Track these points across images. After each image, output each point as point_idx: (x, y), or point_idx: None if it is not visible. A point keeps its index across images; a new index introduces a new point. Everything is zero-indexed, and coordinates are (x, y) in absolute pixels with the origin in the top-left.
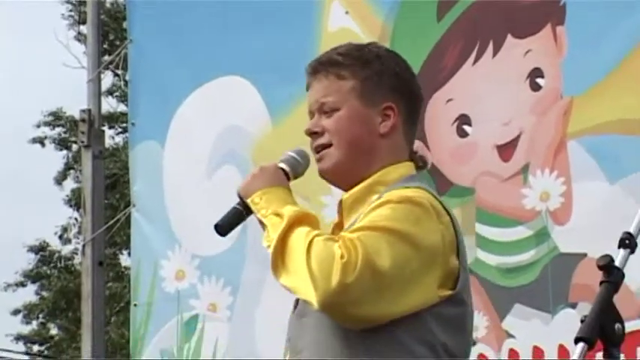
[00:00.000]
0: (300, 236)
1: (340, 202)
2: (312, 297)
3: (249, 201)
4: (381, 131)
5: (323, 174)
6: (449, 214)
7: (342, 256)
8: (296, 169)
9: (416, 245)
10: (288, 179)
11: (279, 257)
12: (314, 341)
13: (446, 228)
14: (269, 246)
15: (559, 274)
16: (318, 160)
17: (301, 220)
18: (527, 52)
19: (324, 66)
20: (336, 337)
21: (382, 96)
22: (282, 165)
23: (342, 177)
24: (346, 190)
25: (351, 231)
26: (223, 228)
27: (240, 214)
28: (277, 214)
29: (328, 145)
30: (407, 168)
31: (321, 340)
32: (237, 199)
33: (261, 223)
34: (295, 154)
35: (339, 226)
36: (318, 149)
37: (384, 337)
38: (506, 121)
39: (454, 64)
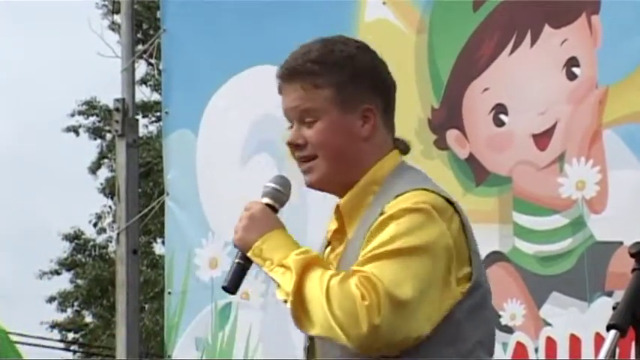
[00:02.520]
0: (314, 285)
1: (337, 208)
2: (345, 343)
3: (249, 255)
4: (363, 135)
5: (311, 186)
6: (448, 201)
7: (363, 298)
8: (281, 199)
9: (428, 254)
10: (276, 211)
11: (300, 312)
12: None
13: (450, 222)
14: (285, 301)
15: (595, 262)
16: (305, 173)
17: (308, 265)
18: (563, 41)
19: (299, 75)
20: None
21: (360, 99)
22: (267, 200)
23: (331, 186)
24: (339, 194)
25: (363, 262)
26: (232, 287)
27: (243, 267)
28: (283, 266)
29: (313, 157)
30: (393, 159)
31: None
32: (236, 252)
33: (270, 276)
34: (276, 184)
35: (340, 232)
36: (302, 160)
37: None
38: (542, 110)
39: (491, 53)
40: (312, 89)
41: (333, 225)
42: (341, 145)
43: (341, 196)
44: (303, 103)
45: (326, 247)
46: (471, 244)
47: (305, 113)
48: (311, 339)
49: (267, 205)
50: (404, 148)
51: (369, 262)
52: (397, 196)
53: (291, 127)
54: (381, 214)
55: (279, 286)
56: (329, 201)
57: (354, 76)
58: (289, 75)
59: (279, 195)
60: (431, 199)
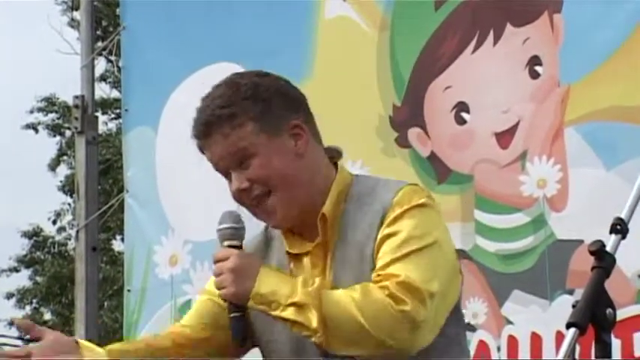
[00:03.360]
0: (340, 310)
1: (322, 217)
2: (391, 355)
3: (250, 305)
4: (300, 152)
5: (279, 226)
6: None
7: (399, 302)
8: (241, 236)
9: (444, 245)
10: (240, 247)
11: (336, 342)
12: None
13: (440, 214)
14: (311, 336)
15: (556, 260)
16: (268, 218)
17: (318, 293)
18: (525, 40)
19: (214, 125)
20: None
21: (282, 120)
22: (230, 243)
23: (297, 215)
24: (302, 221)
25: (388, 264)
26: (241, 338)
27: (242, 318)
28: (295, 305)
29: (264, 194)
30: (344, 170)
31: None
32: (230, 307)
33: (275, 318)
34: (231, 223)
35: (322, 245)
36: (255, 203)
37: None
38: (504, 109)
39: (452, 52)
40: (232, 132)
41: (301, 241)
42: (283, 169)
43: (305, 219)
44: (231, 148)
45: (290, 261)
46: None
47: (237, 156)
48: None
49: (232, 247)
50: (337, 154)
51: (395, 263)
52: (397, 191)
53: (228, 178)
54: (389, 210)
55: (294, 324)
56: None
57: (267, 101)
58: (207, 129)
59: (238, 232)
60: (428, 194)
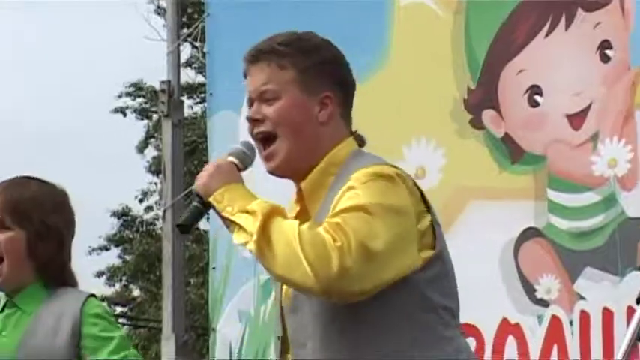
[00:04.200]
0: (282, 227)
1: (299, 190)
2: (311, 284)
3: (210, 199)
4: (320, 119)
5: (273, 171)
6: (410, 178)
7: (335, 240)
8: (245, 161)
9: (395, 214)
10: (239, 171)
11: (266, 250)
12: (319, 329)
13: (411, 190)
14: (246, 242)
15: (627, 238)
16: (266, 159)
17: (275, 211)
18: (596, 24)
19: (266, 55)
20: (340, 321)
21: (321, 86)
22: (232, 159)
23: (292, 170)
24: (298, 180)
25: (333, 216)
26: (186, 227)
27: (200, 211)
28: (246, 212)
29: (271, 135)
30: (350, 144)
31: (326, 327)
32: (196, 197)
33: (224, 220)
34: (244, 147)
35: (302, 213)
36: (258, 136)
37: (389, 312)
38: (577, 92)
39: (526, 36)
40: (276, 69)
41: (294, 211)
42: (299, 123)
43: (298, 181)
44: (267, 82)
45: None
46: (434, 215)
47: (267, 91)
48: (284, 329)
49: (232, 163)
50: (360, 141)
51: (338, 215)
52: (360, 169)
53: (251, 105)
54: (347, 182)
55: (239, 229)
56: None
57: (318, 64)
58: (256, 56)
59: (245, 157)
60: (394, 169)
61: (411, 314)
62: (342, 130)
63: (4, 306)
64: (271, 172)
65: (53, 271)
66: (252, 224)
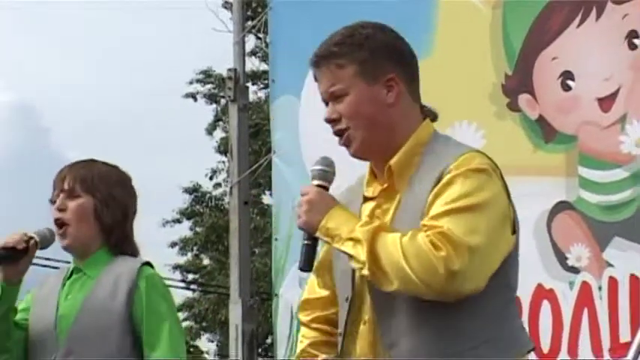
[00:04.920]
0: (387, 248)
1: (389, 168)
2: (427, 293)
3: (317, 235)
4: (389, 102)
5: (354, 155)
6: (497, 167)
7: (438, 249)
8: (328, 178)
9: (492, 208)
10: (327, 190)
11: (379, 275)
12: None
13: (502, 181)
14: (361, 268)
15: None
16: (346, 145)
17: (376, 232)
18: (624, 15)
19: (325, 59)
20: (435, 316)
21: (381, 71)
22: (317, 182)
23: (371, 152)
24: (379, 159)
25: (435, 216)
26: (307, 267)
27: (313, 247)
28: (352, 239)
29: (347, 128)
30: (429, 126)
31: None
32: (304, 235)
33: (337, 250)
34: (322, 165)
35: (389, 189)
36: (338, 133)
37: (482, 292)
38: (606, 77)
39: (559, 26)
40: (336, 70)
41: (376, 184)
42: (370, 113)
43: (381, 161)
44: (333, 84)
45: (363, 204)
46: (511, 202)
47: (335, 91)
48: (353, 289)
49: (319, 185)
50: (432, 115)
51: (441, 217)
52: (458, 156)
53: (327, 106)
54: (446, 172)
55: (351, 257)
56: None
57: (373, 51)
58: (318, 62)
59: (327, 174)
60: (488, 161)
61: (496, 293)
62: (412, 107)
63: (72, 272)
64: (352, 156)
65: (117, 239)
66: (361, 253)
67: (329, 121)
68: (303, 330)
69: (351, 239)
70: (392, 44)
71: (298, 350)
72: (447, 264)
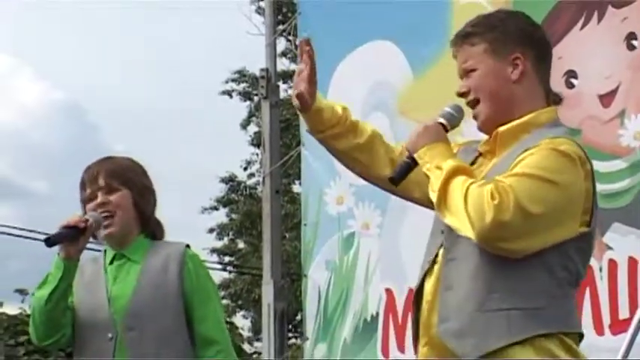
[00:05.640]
0: (457, 185)
1: (496, 134)
2: (470, 232)
3: (415, 155)
4: (513, 78)
5: (480, 129)
6: (589, 162)
7: (493, 197)
8: (452, 121)
9: (561, 190)
10: (447, 131)
11: (442, 203)
12: (469, 276)
13: (586, 175)
14: (433, 192)
15: None
16: (475, 117)
17: (457, 171)
18: (624, 19)
19: (461, 38)
20: (489, 269)
21: (510, 49)
22: (441, 120)
23: (495, 125)
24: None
25: (506, 176)
26: (397, 179)
27: (409, 165)
28: (439, 168)
29: (476, 101)
30: (552, 113)
31: (476, 274)
32: (406, 154)
33: (426, 174)
34: (452, 109)
35: (491, 152)
36: (470, 104)
37: (534, 264)
38: (607, 75)
39: (564, 29)
40: (469, 47)
41: (486, 146)
42: (495, 86)
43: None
44: (465, 60)
45: (475, 159)
46: (595, 197)
47: (467, 67)
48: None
49: (441, 124)
50: (557, 99)
51: (512, 176)
52: (552, 138)
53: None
54: (535, 146)
55: (432, 183)
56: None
57: (504, 32)
58: (455, 41)
59: (452, 118)
60: (578, 151)
61: (552, 271)
62: (536, 87)
63: (113, 259)
64: (479, 129)
65: (152, 225)
66: (438, 181)
67: (460, 94)
68: None
69: (438, 168)
70: (524, 28)
71: None
72: (497, 213)
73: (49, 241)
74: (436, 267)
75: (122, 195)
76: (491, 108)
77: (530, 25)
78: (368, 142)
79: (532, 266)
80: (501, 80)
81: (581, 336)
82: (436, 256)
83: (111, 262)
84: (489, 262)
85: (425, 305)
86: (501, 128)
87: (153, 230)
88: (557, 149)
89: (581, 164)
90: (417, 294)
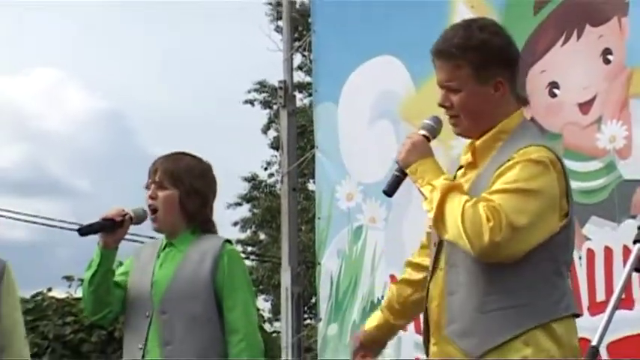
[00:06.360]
0: (453, 204)
1: (474, 148)
2: (470, 251)
3: (407, 171)
4: (495, 100)
5: (458, 134)
6: (559, 160)
7: (488, 220)
8: (434, 132)
9: (541, 196)
10: (429, 141)
11: (439, 222)
12: (468, 279)
13: (559, 175)
14: (429, 211)
15: (623, 194)
16: (453, 125)
17: (451, 189)
18: (600, 36)
19: (445, 56)
20: (485, 268)
21: (492, 75)
22: (424, 132)
23: (471, 135)
24: (476, 137)
25: (492, 192)
26: (389, 192)
27: (399, 179)
28: (432, 185)
29: (457, 115)
30: (519, 116)
31: (475, 278)
32: (396, 167)
33: (419, 189)
34: (432, 121)
35: (473, 164)
36: (448, 115)
37: (521, 264)
38: (585, 86)
39: (547, 45)
40: (454, 69)
41: (466, 158)
42: (478, 108)
43: (477, 138)
44: (449, 79)
45: (458, 170)
46: (569, 190)
47: (450, 86)
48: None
49: (424, 136)
50: (524, 101)
51: (497, 193)
52: (523, 148)
53: (442, 88)
54: (510, 159)
55: (425, 199)
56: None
57: (487, 57)
58: (439, 54)
59: (433, 129)
60: (549, 155)
61: (538, 266)
62: (509, 96)
63: (165, 246)
64: (457, 134)
65: (198, 222)
66: (434, 199)
67: (442, 106)
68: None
69: (431, 185)
70: (503, 48)
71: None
72: (492, 234)
73: (81, 231)
74: (438, 273)
75: (169, 194)
76: (470, 123)
77: (509, 45)
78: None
79: (520, 266)
80: (484, 103)
81: (576, 315)
82: (435, 262)
83: (163, 249)
84: (483, 268)
85: (435, 309)
86: (478, 142)
87: (200, 225)
88: (530, 159)
89: (553, 166)
90: (426, 297)
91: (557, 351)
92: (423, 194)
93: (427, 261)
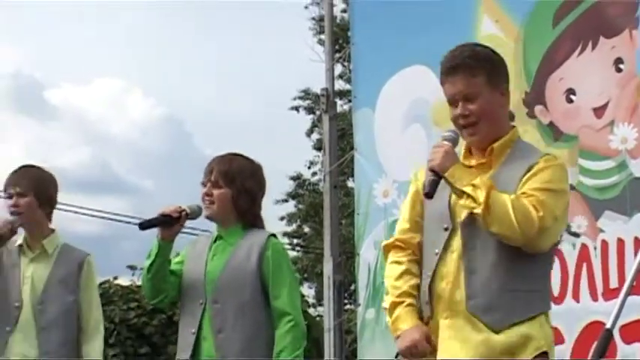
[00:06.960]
0: (500, 198)
1: (492, 149)
2: (517, 238)
3: (446, 175)
4: (503, 105)
5: (475, 140)
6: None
7: (537, 210)
8: (455, 143)
9: (566, 197)
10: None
11: (488, 215)
12: (490, 264)
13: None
14: (473, 207)
15: (634, 190)
16: (471, 135)
17: (492, 187)
18: (613, 47)
19: (461, 69)
20: (508, 252)
21: (501, 82)
22: (449, 142)
23: (488, 141)
24: (484, 144)
25: (533, 189)
26: (431, 193)
27: (437, 182)
28: (473, 185)
29: (475, 123)
30: (517, 131)
31: (496, 263)
32: (432, 173)
33: (454, 189)
34: (453, 133)
35: (485, 166)
36: (466, 125)
37: (541, 254)
38: (599, 92)
39: (564, 55)
40: (471, 77)
41: (471, 159)
42: (493, 111)
43: (485, 142)
44: (467, 88)
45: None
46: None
47: (468, 94)
48: (453, 222)
49: (452, 146)
50: (512, 116)
51: (538, 190)
52: (544, 155)
53: (455, 105)
54: (537, 163)
55: (467, 197)
56: None
57: (496, 66)
58: (454, 70)
59: (454, 139)
60: (561, 160)
61: (547, 256)
62: (508, 109)
63: (217, 238)
64: (472, 140)
65: (248, 218)
66: (480, 196)
67: (463, 116)
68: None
69: (472, 185)
70: (503, 63)
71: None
72: (542, 222)
73: (142, 226)
74: (449, 255)
75: (223, 192)
76: (490, 128)
77: (504, 62)
78: None
79: (536, 256)
80: (497, 107)
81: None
82: (446, 246)
83: (215, 241)
84: (507, 252)
85: (446, 286)
86: (496, 144)
87: (249, 220)
88: (559, 164)
89: (565, 167)
90: (432, 277)
91: (550, 337)
92: (459, 193)
93: (415, 250)
